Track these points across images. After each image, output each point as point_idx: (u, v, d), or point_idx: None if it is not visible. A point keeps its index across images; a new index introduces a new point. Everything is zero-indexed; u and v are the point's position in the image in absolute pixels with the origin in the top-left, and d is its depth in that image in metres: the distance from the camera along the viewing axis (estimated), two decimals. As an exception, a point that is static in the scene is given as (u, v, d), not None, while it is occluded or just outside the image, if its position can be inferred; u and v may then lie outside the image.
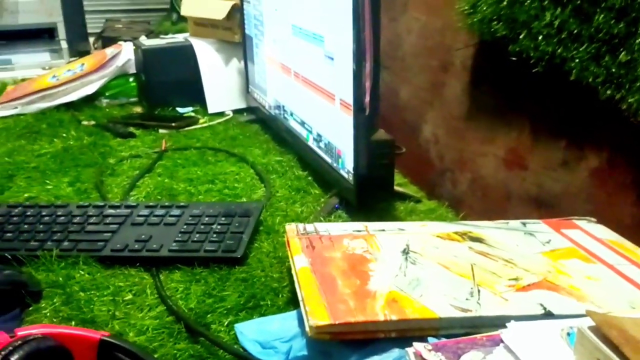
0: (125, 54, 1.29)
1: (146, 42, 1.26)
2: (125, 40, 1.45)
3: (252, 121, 1.19)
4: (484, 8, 0.88)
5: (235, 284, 0.64)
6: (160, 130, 1.14)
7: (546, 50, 0.79)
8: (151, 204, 0.79)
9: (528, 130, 0.91)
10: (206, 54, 1.24)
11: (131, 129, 1.14)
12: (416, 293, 0.50)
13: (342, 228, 0.64)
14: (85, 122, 1.18)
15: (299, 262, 0.56)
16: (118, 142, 1.09)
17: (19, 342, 0.41)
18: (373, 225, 0.65)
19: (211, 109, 1.23)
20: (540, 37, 0.79)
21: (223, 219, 0.74)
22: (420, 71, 1.17)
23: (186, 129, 1.15)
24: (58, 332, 0.47)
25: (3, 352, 0.40)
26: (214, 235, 0.70)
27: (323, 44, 0.81)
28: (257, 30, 1.10)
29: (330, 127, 0.83)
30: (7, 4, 1.56)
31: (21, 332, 0.45)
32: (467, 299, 0.49)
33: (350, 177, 0.77)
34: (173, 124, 1.15)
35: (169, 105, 1.26)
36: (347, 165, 0.78)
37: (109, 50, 1.29)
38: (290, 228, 0.64)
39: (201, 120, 1.19)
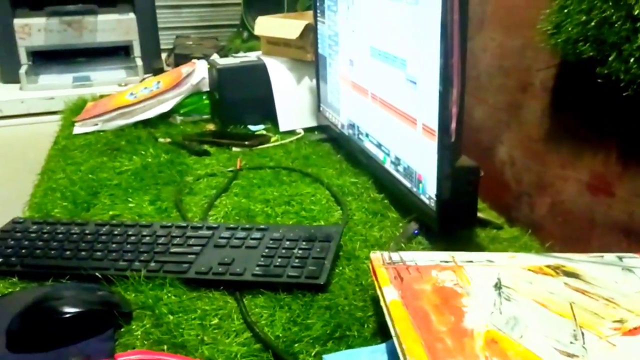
0: (199, 72, 1.32)
1: (220, 61, 1.28)
2: (198, 58, 1.49)
3: (324, 140, 1.19)
4: (569, 28, 0.85)
5: (319, 311, 0.63)
6: (234, 149, 1.16)
7: (638, 74, 0.75)
8: (232, 225, 0.80)
9: (615, 155, 0.87)
10: (278, 72, 1.25)
11: (206, 147, 1.16)
12: (515, 333, 0.49)
13: (428, 258, 0.63)
14: (161, 140, 1.21)
15: (389, 295, 0.55)
16: (194, 160, 1.11)
17: (126, 371, 0.41)
18: (460, 256, 0.63)
19: (282, 127, 1.24)
20: (631, 60, 0.76)
21: (304, 243, 0.74)
22: (496, 91, 1.15)
23: (259, 147, 1.16)
24: (157, 359, 0.47)
25: (112, 382, 0.40)
26: (296, 260, 0.70)
27: (405, 68, 0.80)
28: (331, 50, 1.11)
29: (411, 151, 0.82)
30: (87, 23, 1.62)
31: (121, 357, 0.46)
32: (571, 343, 0.47)
33: (432, 203, 0.76)
34: (246, 143, 1.16)
35: (241, 122, 1.28)
36: (428, 191, 0.77)
37: (184, 69, 1.33)
38: (376, 257, 0.64)
39: (273, 139, 1.20)
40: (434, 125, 0.73)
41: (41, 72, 1.62)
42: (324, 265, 0.69)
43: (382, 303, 0.56)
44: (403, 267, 0.61)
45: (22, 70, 1.58)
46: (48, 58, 1.66)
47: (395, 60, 0.83)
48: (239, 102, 1.26)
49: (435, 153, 0.73)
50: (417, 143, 0.78)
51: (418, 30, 0.75)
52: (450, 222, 0.75)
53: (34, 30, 1.59)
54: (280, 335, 0.60)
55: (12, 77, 1.59)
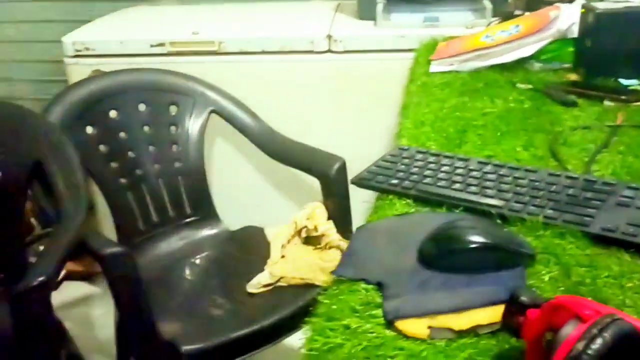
0: (568, 16, 1.22)
1: (600, 5, 1.16)
2: (561, 1, 1.38)
3: None
4: None
5: None
6: (606, 102, 1.06)
7: None
8: (633, 185, 0.72)
9: None
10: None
11: (573, 98, 1.08)
12: None
13: None
14: (520, 85, 1.17)
15: None
16: (561, 110, 1.04)
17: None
18: None
19: (664, 84, 1.08)
20: None
21: None
22: None
23: (636, 103, 1.04)
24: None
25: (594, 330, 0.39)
26: None
27: None
28: None
29: None
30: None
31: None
32: None
33: None
34: (622, 97, 1.05)
35: (610, 75, 1.15)
36: None
37: (552, 12, 1.24)
38: None
39: (653, 96, 1.06)
40: None
41: (394, 11, 1.70)
42: None
43: None
44: None
45: (379, 8, 1.67)
46: (400, -2, 1.73)
47: None
48: (613, 52, 1.14)
49: None
50: None
51: None
52: None
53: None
54: None
55: (368, 15, 1.71)
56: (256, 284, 1.30)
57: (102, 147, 1.42)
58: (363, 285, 0.60)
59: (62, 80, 2.15)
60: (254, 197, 1.71)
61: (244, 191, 1.70)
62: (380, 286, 0.59)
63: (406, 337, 0.52)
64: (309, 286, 1.29)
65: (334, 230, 1.34)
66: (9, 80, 2.33)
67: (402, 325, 0.53)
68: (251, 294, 1.30)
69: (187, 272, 1.42)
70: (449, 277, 0.60)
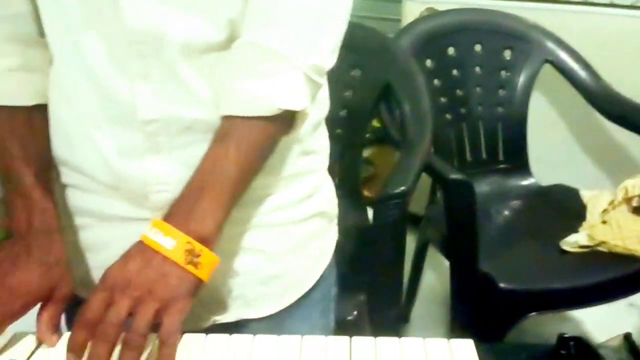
0: None
1: None
2: None
3: None
4: None
5: None
6: None
7: None
8: None
9: None
10: None
11: None
12: None
13: None
14: None
15: None
16: None
17: None
18: None
19: None
20: None
21: None
22: None
23: None
24: None
25: None
26: None
27: None
28: None
29: None
30: None
31: None
32: None
33: None
34: None
35: None
36: None
37: None
38: None
39: None
40: None
41: None
42: None
43: None
44: None
45: None
46: None
47: None
48: None
49: None
50: None
51: None
52: None
53: None
54: None
55: None
56: (572, 243, 1.26)
57: (436, 81, 1.48)
58: None
59: (386, 18, 2.28)
60: (571, 155, 1.64)
61: (560, 148, 1.64)
62: None
63: None
64: (631, 258, 1.21)
65: (673, 206, 1.23)
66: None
67: None
68: (563, 251, 1.27)
69: (494, 216, 1.43)
70: None
